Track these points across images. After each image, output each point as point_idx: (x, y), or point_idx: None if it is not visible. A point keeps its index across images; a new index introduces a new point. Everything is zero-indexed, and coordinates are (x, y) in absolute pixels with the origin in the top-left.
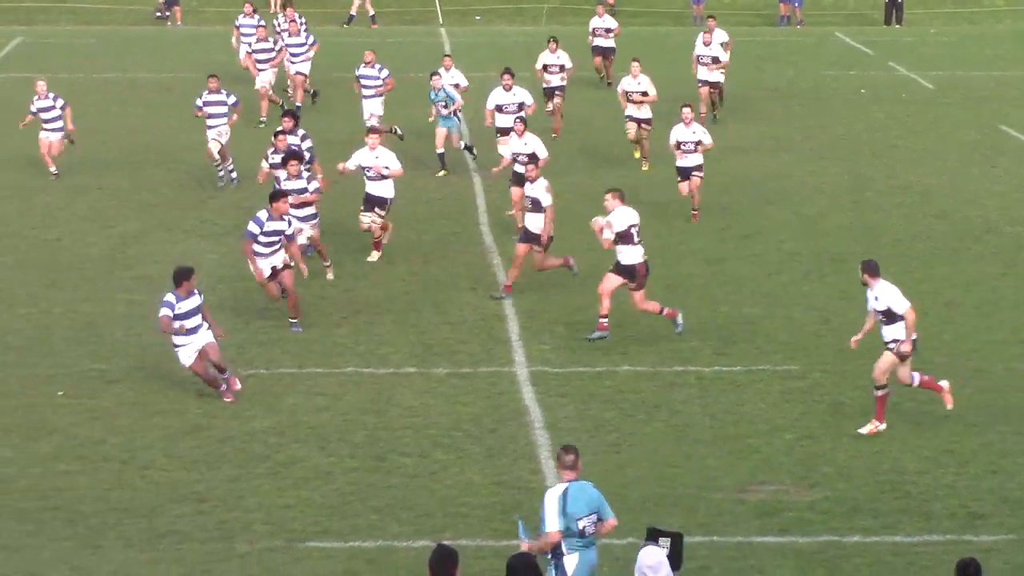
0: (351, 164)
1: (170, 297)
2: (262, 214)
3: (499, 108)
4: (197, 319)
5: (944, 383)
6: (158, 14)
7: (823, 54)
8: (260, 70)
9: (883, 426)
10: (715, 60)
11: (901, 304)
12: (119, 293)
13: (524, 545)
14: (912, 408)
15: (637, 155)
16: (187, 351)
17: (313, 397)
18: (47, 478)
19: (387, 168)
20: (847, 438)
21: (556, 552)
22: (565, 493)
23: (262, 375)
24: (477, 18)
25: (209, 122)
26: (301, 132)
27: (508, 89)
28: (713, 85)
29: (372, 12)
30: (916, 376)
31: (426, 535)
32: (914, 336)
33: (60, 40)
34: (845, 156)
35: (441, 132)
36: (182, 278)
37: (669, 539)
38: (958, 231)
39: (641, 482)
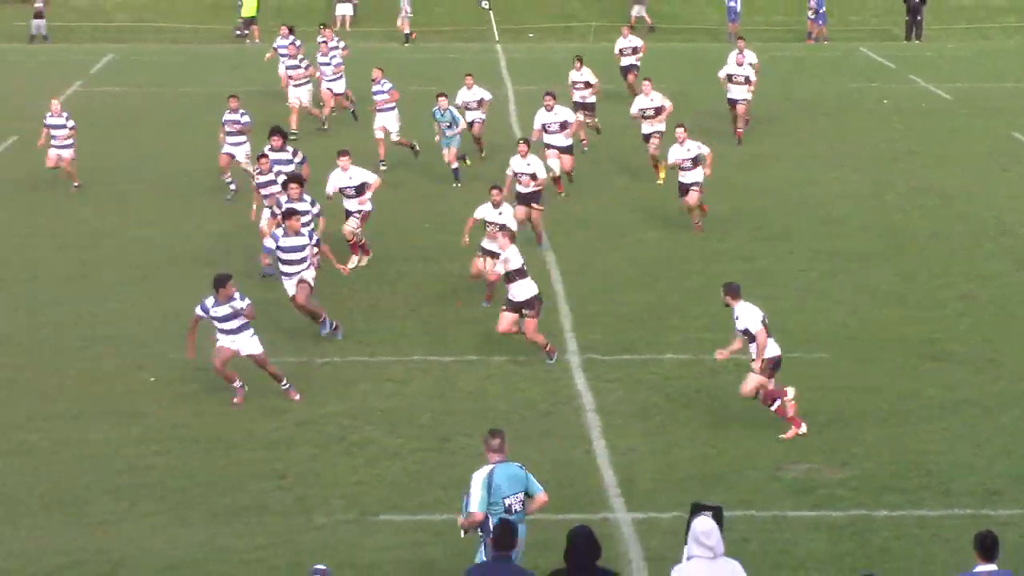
0: (329, 189)
1: (207, 301)
2: (278, 231)
3: (544, 127)
4: (234, 323)
5: (791, 389)
6: (237, 32)
7: (848, 68)
8: (294, 86)
9: (803, 429)
10: (747, 80)
11: (755, 325)
12: (206, 288)
13: (459, 520)
14: (935, 395)
15: (662, 176)
16: (220, 346)
17: (382, 383)
18: (140, 458)
19: (365, 183)
20: (873, 421)
21: (484, 528)
22: (491, 474)
23: (335, 363)
24: (530, 36)
25: (228, 139)
26: (291, 149)
27: (550, 109)
28: (741, 102)
29: (407, 31)
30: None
31: None
32: (775, 354)
33: (147, 57)
34: (868, 163)
35: (446, 151)
36: (218, 284)
37: (711, 513)
38: (974, 231)
39: (685, 462)
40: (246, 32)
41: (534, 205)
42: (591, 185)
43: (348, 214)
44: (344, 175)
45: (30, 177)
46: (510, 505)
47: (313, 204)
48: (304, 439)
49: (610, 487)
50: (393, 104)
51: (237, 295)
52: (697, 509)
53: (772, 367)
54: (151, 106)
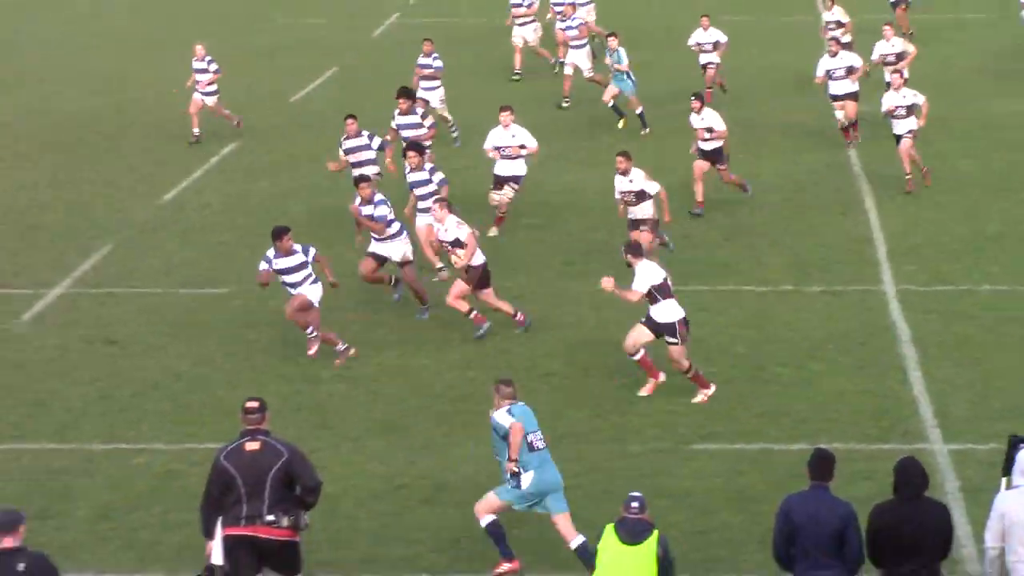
0: (488, 145)
1: (269, 252)
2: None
3: (829, 74)
4: (298, 275)
5: (662, 376)
6: None
7: None
8: (519, 25)
9: (662, 377)
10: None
11: (638, 286)
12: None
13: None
14: None
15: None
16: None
17: (697, 312)
18: (458, 384)
19: (523, 147)
20: None
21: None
22: (509, 412)
23: None
24: None
25: (423, 83)
26: (419, 111)
27: (834, 55)
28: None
29: None
30: (642, 353)
31: (803, 439)
32: (673, 339)
33: None
34: None
35: (612, 89)
36: (275, 237)
37: None
38: None
39: (1001, 393)
40: None
41: (718, 166)
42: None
43: (499, 180)
44: (505, 133)
45: (351, 109)
46: (532, 442)
47: (432, 172)
48: (620, 369)
49: (926, 418)
50: (584, 41)
51: (299, 247)
52: (1017, 442)
53: (687, 332)
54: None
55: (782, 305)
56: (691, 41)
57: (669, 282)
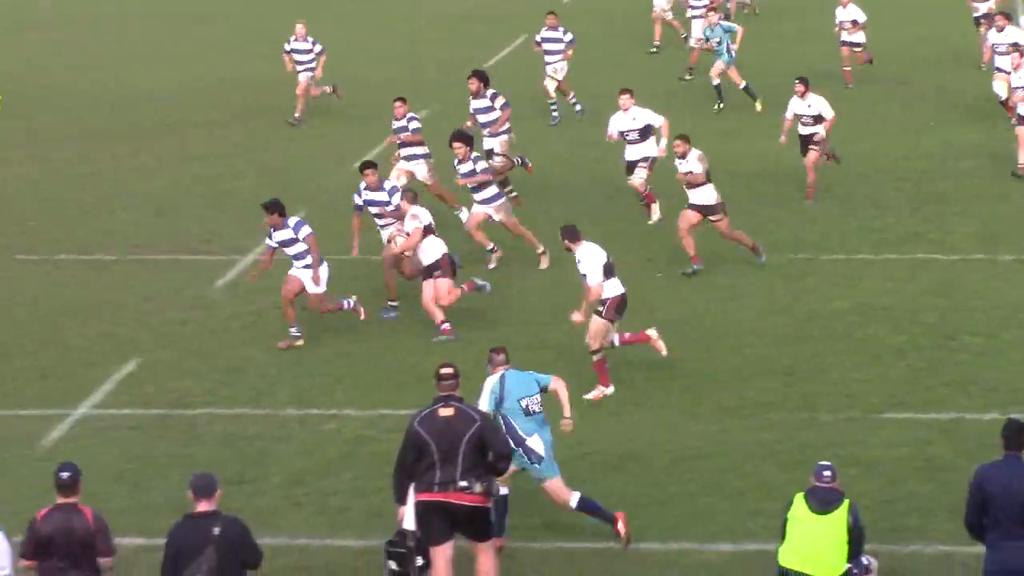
0: (611, 131)
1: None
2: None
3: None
4: (295, 249)
5: (652, 331)
6: None
7: None
8: None
9: (610, 389)
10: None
11: (593, 277)
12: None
13: None
14: None
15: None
16: (289, 274)
17: (885, 281)
18: (644, 351)
19: (648, 126)
20: None
21: (516, 440)
22: (502, 378)
23: (840, 260)
24: None
25: (547, 58)
26: (489, 92)
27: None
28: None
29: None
30: (617, 337)
31: (994, 408)
32: (617, 293)
33: None
34: None
35: (719, 65)
36: (265, 210)
37: None
38: None
39: None
40: None
41: (812, 147)
42: None
43: (630, 166)
44: (626, 116)
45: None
46: (527, 406)
47: (476, 162)
48: (810, 335)
49: None
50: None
51: (291, 222)
52: None
53: (615, 309)
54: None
55: (973, 274)
56: (837, 19)
57: (611, 260)
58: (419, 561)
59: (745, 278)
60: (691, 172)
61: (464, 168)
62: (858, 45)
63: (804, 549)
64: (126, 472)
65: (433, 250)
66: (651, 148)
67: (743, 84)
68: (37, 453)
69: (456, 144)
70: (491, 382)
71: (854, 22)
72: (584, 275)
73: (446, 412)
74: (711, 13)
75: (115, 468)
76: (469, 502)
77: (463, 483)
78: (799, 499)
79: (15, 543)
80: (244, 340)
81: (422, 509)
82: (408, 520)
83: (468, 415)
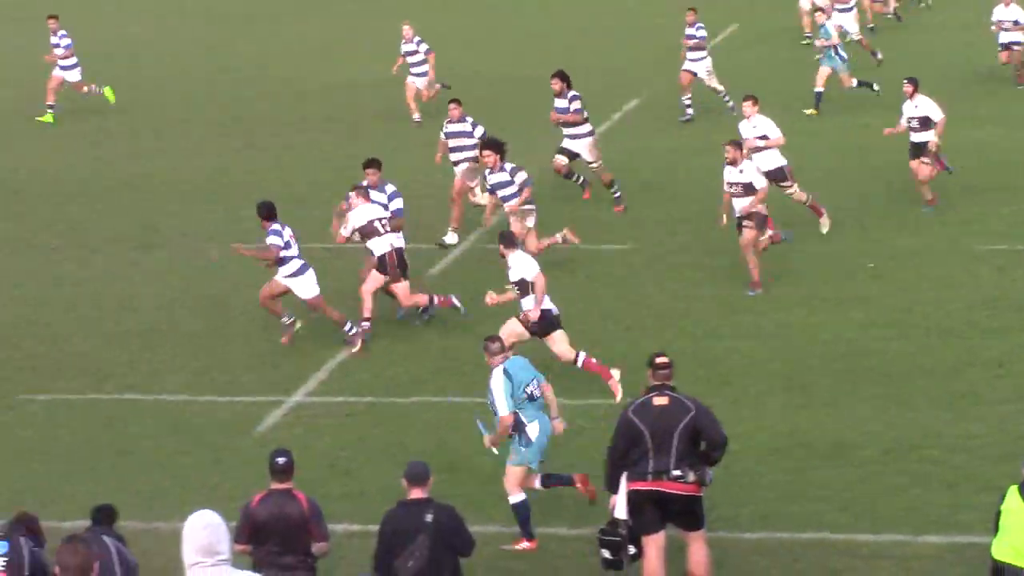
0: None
1: (276, 226)
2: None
3: None
4: (293, 250)
5: (615, 372)
6: None
7: None
8: None
9: (616, 373)
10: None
11: (531, 272)
12: None
13: (486, 440)
14: None
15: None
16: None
17: (994, 272)
18: (860, 342)
19: (765, 138)
20: None
21: (517, 425)
22: (505, 370)
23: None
24: None
25: (689, 55)
26: (571, 93)
27: None
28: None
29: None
30: (582, 356)
31: None
32: (550, 308)
33: None
34: None
35: (824, 71)
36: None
37: None
38: None
39: None
40: None
41: (923, 159)
42: None
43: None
44: (747, 124)
45: (743, 70)
46: (531, 392)
47: (513, 173)
48: (1020, 327)
49: None
50: (851, 4)
51: (272, 228)
52: None
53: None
54: None
55: None
56: (993, 18)
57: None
58: (631, 550)
59: (955, 269)
60: (750, 183)
61: (495, 178)
62: (1018, 44)
63: (1019, 542)
64: (339, 459)
65: (380, 247)
66: (774, 159)
67: (853, 83)
68: (252, 439)
69: (486, 152)
70: (498, 380)
71: (1015, 22)
72: (519, 280)
73: (660, 401)
74: (819, 14)
75: (329, 455)
76: (682, 491)
77: (676, 472)
78: (1013, 491)
79: (230, 528)
80: (456, 327)
81: (635, 498)
82: (620, 509)
83: (683, 404)
